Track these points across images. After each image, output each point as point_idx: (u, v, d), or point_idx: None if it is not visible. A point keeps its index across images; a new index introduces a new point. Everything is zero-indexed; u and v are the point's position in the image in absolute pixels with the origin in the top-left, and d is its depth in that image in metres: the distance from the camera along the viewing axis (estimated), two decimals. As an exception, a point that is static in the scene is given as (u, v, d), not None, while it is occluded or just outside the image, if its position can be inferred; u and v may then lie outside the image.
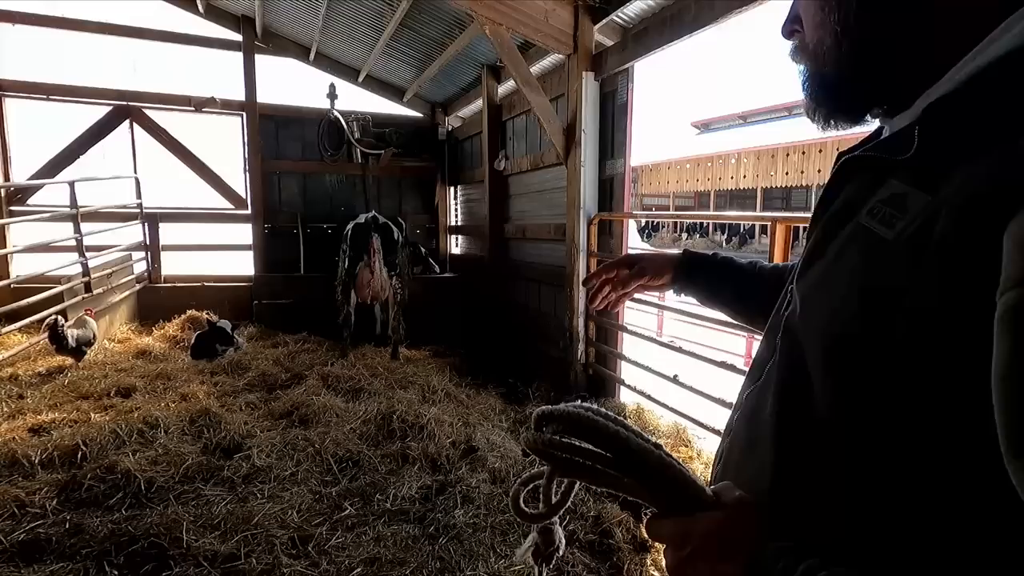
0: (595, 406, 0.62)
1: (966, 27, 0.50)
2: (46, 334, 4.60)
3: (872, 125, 0.66)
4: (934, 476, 0.47)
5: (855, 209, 0.57)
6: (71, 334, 4.67)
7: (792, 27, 0.67)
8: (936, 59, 0.52)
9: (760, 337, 0.76)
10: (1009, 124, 0.44)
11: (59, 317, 4.64)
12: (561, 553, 0.76)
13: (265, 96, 7.12)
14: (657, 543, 0.67)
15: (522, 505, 0.70)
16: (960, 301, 0.44)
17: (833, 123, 0.64)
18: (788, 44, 0.69)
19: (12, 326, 4.60)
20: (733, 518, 0.55)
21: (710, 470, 0.79)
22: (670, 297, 8.53)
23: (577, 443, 0.60)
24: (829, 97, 0.63)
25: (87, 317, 4.98)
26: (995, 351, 0.40)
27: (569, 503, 0.69)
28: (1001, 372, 0.40)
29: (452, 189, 8.08)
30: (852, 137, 0.71)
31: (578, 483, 0.67)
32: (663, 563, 2.44)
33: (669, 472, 0.57)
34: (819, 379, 0.56)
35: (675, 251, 1.14)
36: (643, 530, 2.67)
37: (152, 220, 6.89)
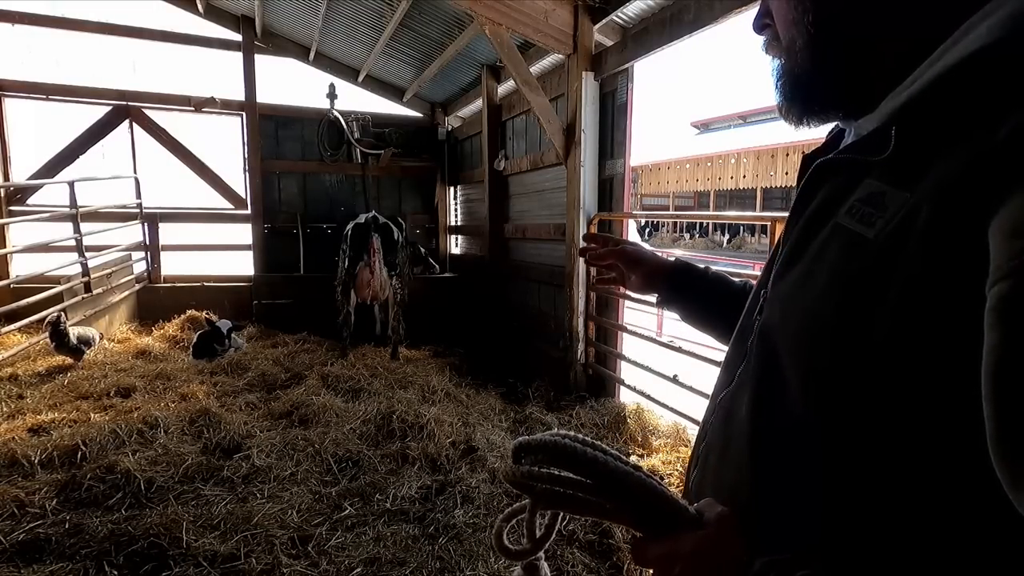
0: (572, 432, 0.61)
1: (927, 29, 0.51)
2: (48, 331, 4.61)
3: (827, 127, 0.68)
4: (920, 475, 0.47)
5: (832, 211, 0.57)
6: (73, 332, 4.68)
7: (763, 21, 0.67)
8: (900, 60, 0.53)
9: None
10: (983, 119, 0.44)
11: (62, 313, 4.65)
12: None
13: (265, 96, 7.13)
14: (643, 567, 0.66)
15: (505, 542, 0.68)
16: (945, 295, 0.44)
17: (806, 122, 0.64)
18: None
19: (12, 326, 4.60)
20: (717, 535, 0.55)
21: (688, 474, 0.77)
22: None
23: (556, 472, 0.59)
24: (802, 96, 0.63)
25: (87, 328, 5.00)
26: (985, 344, 0.40)
27: (554, 536, 0.67)
28: (991, 365, 0.39)
29: (452, 189, 8.08)
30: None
31: (561, 515, 0.66)
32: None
33: (650, 493, 0.57)
34: (798, 381, 0.56)
35: (670, 259, 1.09)
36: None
37: (152, 220, 6.89)
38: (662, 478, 0.64)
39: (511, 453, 0.63)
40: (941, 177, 0.46)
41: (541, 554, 0.69)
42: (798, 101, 0.63)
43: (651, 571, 0.60)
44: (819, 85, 0.61)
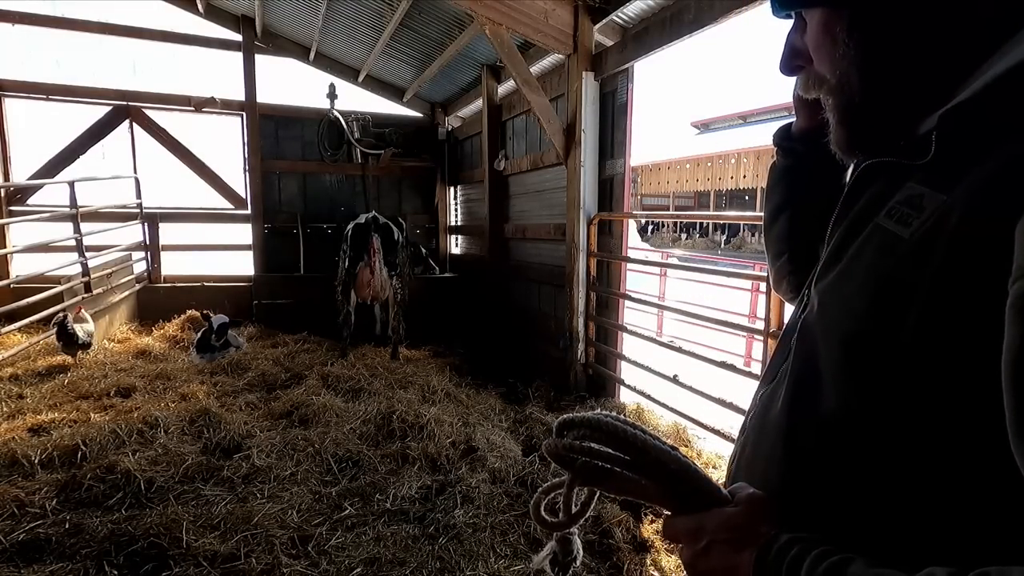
0: (614, 413, 0.64)
1: (976, 46, 0.53)
2: (55, 330, 4.63)
3: None
4: (947, 465, 0.49)
5: (874, 212, 0.59)
6: (80, 329, 4.71)
7: (795, 63, 0.67)
8: (952, 76, 0.54)
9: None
10: (1017, 126, 0.46)
11: (67, 313, 4.67)
12: (578, 563, 0.77)
13: (265, 96, 7.13)
14: (672, 541, 0.69)
15: (543, 513, 0.71)
16: (970, 292, 0.46)
17: (871, 153, 0.63)
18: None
19: (12, 326, 4.60)
20: (746, 512, 0.58)
21: (725, 471, 0.80)
22: (670, 297, 8.52)
23: (597, 447, 0.61)
24: (862, 127, 0.62)
25: (83, 314, 5.01)
26: (1006, 338, 0.42)
27: (588, 513, 0.70)
28: (1011, 358, 0.41)
29: (452, 189, 8.08)
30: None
31: (598, 493, 0.69)
32: (663, 563, 2.43)
33: (685, 472, 0.59)
34: (832, 375, 0.58)
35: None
36: (643, 530, 2.67)
37: (152, 220, 6.89)
38: (687, 456, 0.66)
39: (554, 428, 0.66)
40: (973, 182, 0.48)
41: (575, 529, 0.73)
42: (858, 130, 0.63)
43: (679, 546, 0.62)
44: (884, 111, 0.60)
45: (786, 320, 0.76)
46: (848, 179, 0.67)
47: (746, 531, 0.56)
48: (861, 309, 0.55)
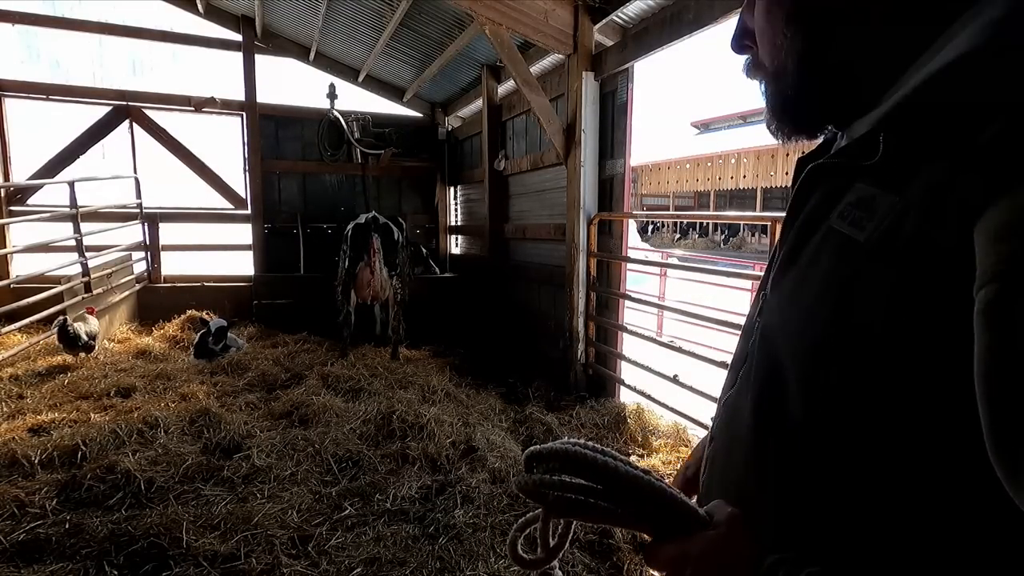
0: (583, 440, 0.62)
1: (915, 35, 0.52)
2: (55, 331, 4.64)
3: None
4: (920, 473, 0.47)
5: (825, 214, 0.58)
6: (80, 329, 4.72)
7: (743, 42, 0.66)
8: (889, 69, 0.54)
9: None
10: (967, 123, 0.45)
11: (66, 316, 4.68)
12: None
13: (265, 96, 7.13)
14: (656, 571, 0.65)
15: (520, 552, 0.69)
16: (934, 298, 0.44)
17: (795, 138, 0.65)
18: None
19: (12, 326, 4.61)
20: (728, 535, 0.55)
21: (700, 476, 0.78)
22: (670, 296, 8.51)
23: (568, 479, 0.59)
24: (792, 117, 0.63)
25: (87, 315, 5.02)
26: (976, 347, 0.41)
27: (567, 546, 0.68)
28: (983, 367, 0.40)
29: (452, 189, 8.08)
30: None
31: (574, 524, 0.66)
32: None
33: (661, 497, 0.57)
34: (797, 383, 0.57)
35: None
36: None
37: (152, 220, 6.89)
38: (662, 478, 0.63)
39: (523, 463, 0.63)
40: (927, 182, 0.47)
41: (555, 563, 0.70)
42: (788, 120, 0.64)
43: (657, 573, 0.61)
44: (812, 104, 0.61)
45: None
46: (793, 180, 0.66)
47: (729, 556, 0.54)
48: (824, 318, 0.53)
